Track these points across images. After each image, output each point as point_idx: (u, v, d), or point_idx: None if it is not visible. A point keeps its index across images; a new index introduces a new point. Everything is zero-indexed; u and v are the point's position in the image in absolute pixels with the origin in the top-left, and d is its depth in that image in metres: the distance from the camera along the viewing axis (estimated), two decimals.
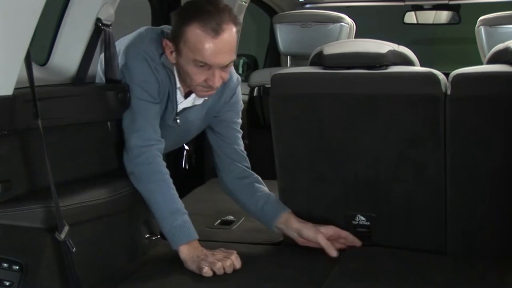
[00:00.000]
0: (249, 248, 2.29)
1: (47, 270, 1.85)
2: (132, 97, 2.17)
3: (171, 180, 2.15)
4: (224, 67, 2.12)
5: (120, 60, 2.19)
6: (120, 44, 2.22)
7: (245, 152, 2.41)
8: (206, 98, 2.29)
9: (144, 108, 2.17)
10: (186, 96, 2.28)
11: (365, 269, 2.05)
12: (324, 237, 2.17)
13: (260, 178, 2.37)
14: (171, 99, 2.24)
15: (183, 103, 2.27)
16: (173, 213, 2.09)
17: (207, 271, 1.98)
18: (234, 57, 2.14)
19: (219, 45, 2.05)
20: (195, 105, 2.30)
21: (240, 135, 2.42)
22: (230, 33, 2.08)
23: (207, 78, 2.11)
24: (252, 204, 2.32)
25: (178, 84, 2.23)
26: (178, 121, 2.29)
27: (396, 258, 2.13)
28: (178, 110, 2.28)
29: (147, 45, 2.18)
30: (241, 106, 2.43)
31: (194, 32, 2.05)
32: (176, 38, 2.10)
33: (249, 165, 2.40)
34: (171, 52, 2.14)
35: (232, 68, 2.28)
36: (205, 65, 2.09)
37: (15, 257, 1.79)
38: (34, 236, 1.84)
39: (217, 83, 2.13)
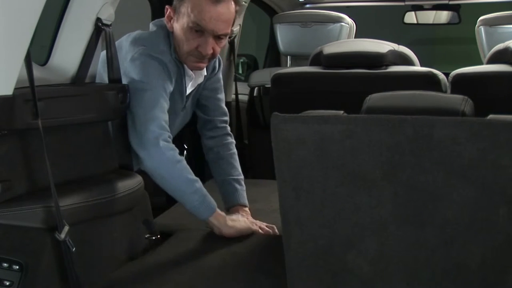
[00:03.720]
0: (249, 248, 2.29)
1: (47, 270, 1.85)
2: (143, 90, 2.19)
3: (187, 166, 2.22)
4: (218, 38, 2.23)
5: (133, 59, 2.24)
6: (130, 41, 2.31)
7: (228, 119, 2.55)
8: (205, 74, 2.40)
9: (159, 100, 2.20)
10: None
11: None
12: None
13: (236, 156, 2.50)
14: (180, 89, 2.34)
15: (189, 87, 2.37)
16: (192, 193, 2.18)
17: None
18: (228, 30, 2.27)
19: (217, 12, 2.19)
20: (198, 85, 2.41)
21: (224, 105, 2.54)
22: (229, 6, 2.23)
23: (199, 45, 2.22)
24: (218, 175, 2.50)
25: (190, 72, 2.33)
26: (186, 106, 2.41)
27: None
28: (187, 94, 2.38)
29: (160, 46, 2.27)
30: (221, 84, 2.56)
31: None
32: (179, 2, 2.23)
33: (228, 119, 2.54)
34: (171, 19, 2.26)
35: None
36: (200, 31, 2.20)
37: (15, 257, 1.80)
38: (34, 236, 1.84)
39: (208, 51, 2.23)
